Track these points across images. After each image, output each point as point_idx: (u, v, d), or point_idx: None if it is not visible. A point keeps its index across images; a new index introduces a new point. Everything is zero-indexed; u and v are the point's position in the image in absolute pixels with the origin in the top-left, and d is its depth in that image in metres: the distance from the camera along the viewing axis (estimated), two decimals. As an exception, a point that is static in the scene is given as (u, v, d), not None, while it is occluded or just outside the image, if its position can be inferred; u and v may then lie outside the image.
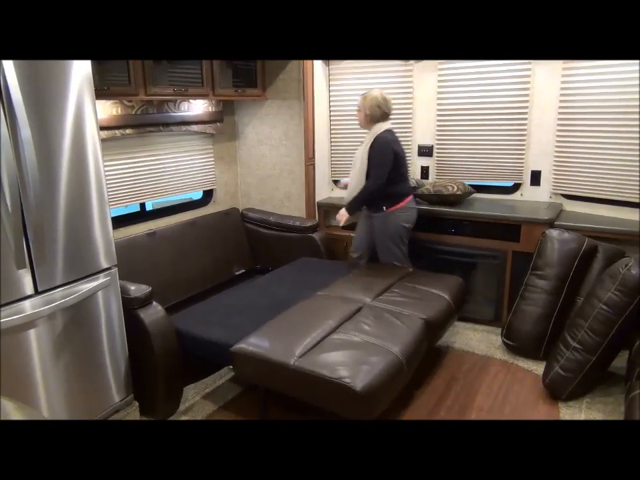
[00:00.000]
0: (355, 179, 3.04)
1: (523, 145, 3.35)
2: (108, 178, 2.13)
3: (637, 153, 2.87)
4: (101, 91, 2.40)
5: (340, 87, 3.70)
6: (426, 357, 2.49)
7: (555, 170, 3.29)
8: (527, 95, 3.25)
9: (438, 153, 3.62)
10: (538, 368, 2.78)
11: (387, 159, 2.92)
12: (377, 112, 2.96)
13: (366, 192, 2.97)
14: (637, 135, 2.87)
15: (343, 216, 3.09)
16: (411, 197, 3.10)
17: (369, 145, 2.96)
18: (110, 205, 2.17)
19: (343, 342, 2.19)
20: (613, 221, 2.99)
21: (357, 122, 3.07)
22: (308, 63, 3.44)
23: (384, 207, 3.03)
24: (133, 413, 2.32)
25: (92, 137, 2.01)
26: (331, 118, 3.78)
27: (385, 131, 2.97)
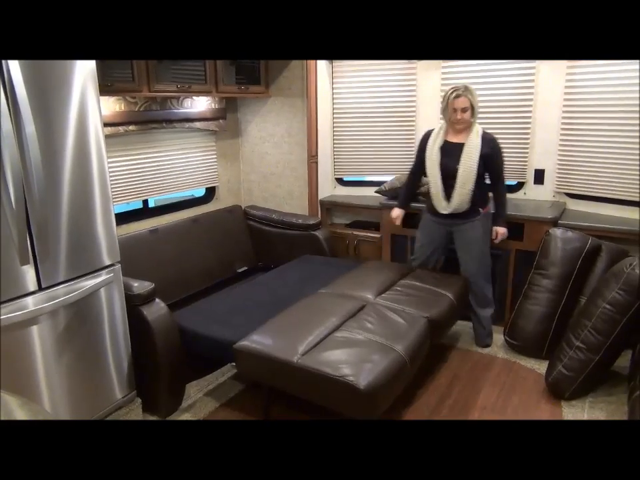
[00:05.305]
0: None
1: (527, 143, 3.33)
2: (110, 175, 2.13)
3: (640, 151, 2.86)
4: (105, 87, 2.39)
5: (343, 85, 3.69)
6: (429, 356, 2.48)
7: (559, 168, 3.28)
8: (531, 94, 3.24)
9: (441, 151, 3.60)
10: (541, 367, 2.77)
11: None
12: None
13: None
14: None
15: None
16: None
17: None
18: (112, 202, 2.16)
19: (346, 340, 2.19)
20: (616, 220, 2.97)
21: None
22: (311, 60, 3.42)
23: (480, 209, 2.84)
24: (135, 410, 2.32)
25: (96, 133, 2.00)
26: (334, 116, 3.77)
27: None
